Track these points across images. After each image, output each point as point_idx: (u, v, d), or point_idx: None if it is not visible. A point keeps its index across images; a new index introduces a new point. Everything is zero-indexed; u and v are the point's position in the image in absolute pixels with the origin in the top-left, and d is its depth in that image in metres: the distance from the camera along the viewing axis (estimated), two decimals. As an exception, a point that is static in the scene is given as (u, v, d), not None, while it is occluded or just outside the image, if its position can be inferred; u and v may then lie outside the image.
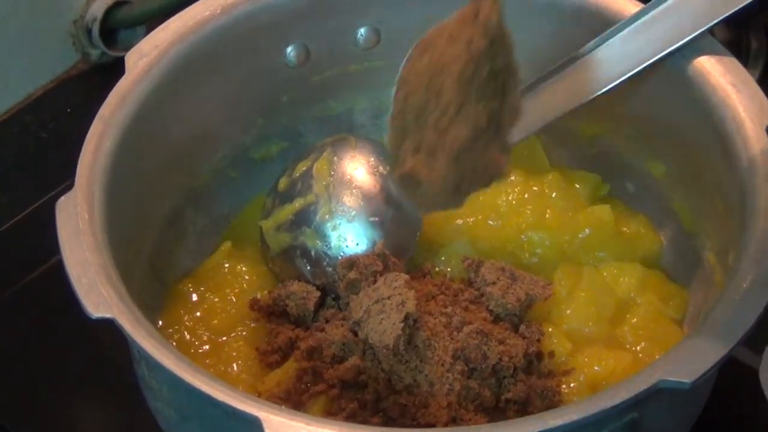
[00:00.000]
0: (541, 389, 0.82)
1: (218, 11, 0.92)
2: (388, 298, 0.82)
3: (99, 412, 0.97)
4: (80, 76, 1.23)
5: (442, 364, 0.80)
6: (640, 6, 0.89)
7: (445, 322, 0.83)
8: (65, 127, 1.18)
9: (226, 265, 0.92)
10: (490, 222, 0.94)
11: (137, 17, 1.21)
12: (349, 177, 0.92)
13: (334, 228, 0.91)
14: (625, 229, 0.95)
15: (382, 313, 0.81)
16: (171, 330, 0.88)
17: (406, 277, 0.83)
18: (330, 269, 0.90)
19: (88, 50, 1.22)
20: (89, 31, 1.21)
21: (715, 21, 0.86)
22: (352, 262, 0.87)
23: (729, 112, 0.83)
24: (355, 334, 0.83)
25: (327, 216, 0.91)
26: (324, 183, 0.92)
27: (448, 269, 0.92)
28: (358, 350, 0.83)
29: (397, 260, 0.89)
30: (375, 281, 0.85)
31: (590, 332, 0.88)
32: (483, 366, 0.81)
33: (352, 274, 0.86)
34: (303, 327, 0.89)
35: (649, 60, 0.87)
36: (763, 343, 0.91)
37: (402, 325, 0.80)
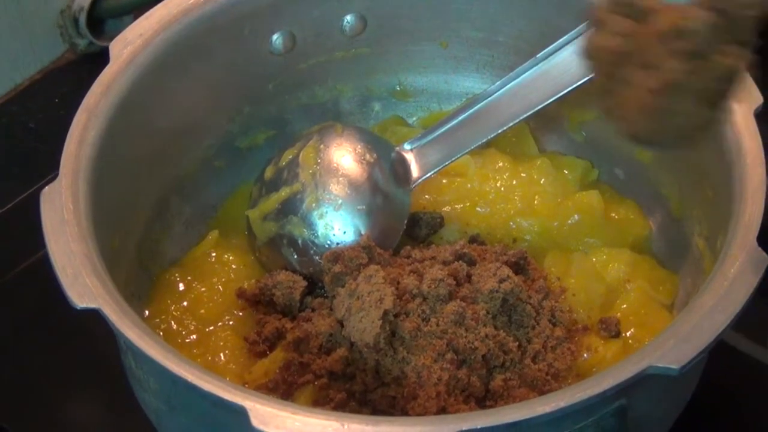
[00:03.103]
0: (530, 378, 0.81)
1: (203, -1, 0.91)
2: (368, 294, 0.81)
3: (86, 403, 0.96)
4: (68, 66, 1.23)
5: (431, 355, 0.80)
6: (627, -10, 0.89)
7: (431, 311, 0.82)
8: (53, 117, 1.18)
9: (213, 255, 0.92)
10: (479, 209, 0.94)
11: (124, 6, 1.21)
12: (335, 165, 0.92)
13: (321, 216, 0.91)
14: (614, 214, 0.95)
15: (362, 310, 0.81)
16: (158, 320, 0.87)
17: (383, 272, 0.83)
18: (317, 258, 0.90)
19: (76, 40, 1.22)
20: (76, 21, 1.21)
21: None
22: (336, 256, 0.87)
23: (717, 96, 0.83)
24: (342, 325, 0.83)
25: (314, 204, 0.91)
26: (310, 171, 0.92)
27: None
28: (346, 341, 0.82)
29: (383, 251, 0.88)
30: (360, 274, 0.84)
31: (580, 319, 0.87)
32: (472, 357, 0.81)
33: (337, 268, 0.86)
34: (290, 316, 0.88)
35: (637, 45, 0.87)
36: (753, 327, 0.92)
37: (380, 322, 0.80)
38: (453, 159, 0.92)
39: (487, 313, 0.82)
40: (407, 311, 0.82)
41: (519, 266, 0.88)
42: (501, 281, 0.83)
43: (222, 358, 0.86)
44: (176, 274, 0.91)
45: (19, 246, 1.04)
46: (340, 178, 0.91)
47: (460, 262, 0.86)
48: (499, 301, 0.82)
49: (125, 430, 0.92)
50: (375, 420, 0.67)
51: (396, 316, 0.81)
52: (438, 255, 0.87)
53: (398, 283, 0.84)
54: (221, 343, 0.86)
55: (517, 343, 0.82)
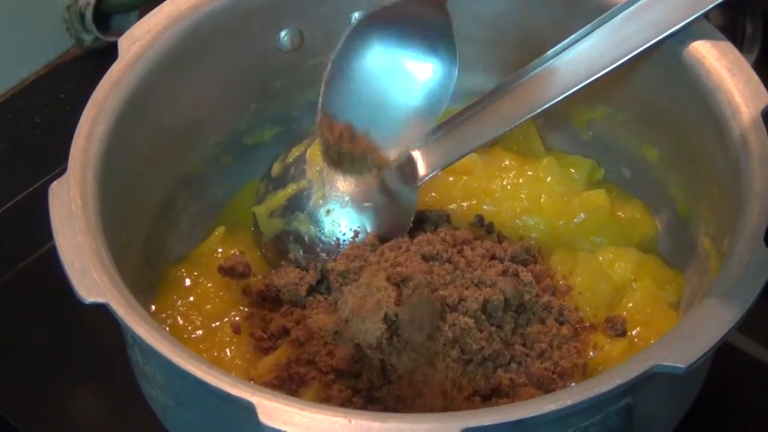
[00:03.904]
0: (536, 376, 0.81)
1: (211, -5, 0.91)
2: (371, 295, 0.81)
3: (93, 399, 0.96)
4: (74, 62, 1.23)
5: (436, 352, 0.80)
6: (635, -10, 0.89)
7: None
8: (59, 112, 1.18)
9: (220, 251, 0.92)
10: (485, 207, 0.94)
11: (130, 2, 1.21)
12: (342, 162, 0.92)
13: (328, 213, 0.91)
14: (620, 213, 0.95)
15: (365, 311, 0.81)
16: (164, 315, 0.87)
17: (385, 273, 0.83)
18: (323, 254, 0.90)
19: (82, 35, 1.22)
20: (83, 16, 1.21)
21: (711, 5, 0.86)
22: (341, 254, 0.87)
23: (724, 97, 0.83)
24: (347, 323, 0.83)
25: (320, 201, 0.91)
26: (317, 168, 0.92)
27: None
28: (351, 339, 0.82)
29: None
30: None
31: (586, 317, 0.87)
32: (478, 355, 0.81)
33: (342, 266, 0.86)
34: (296, 313, 0.88)
35: (644, 45, 0.87)
36: (758, 328, 0.92)
37: (383, 323, 0.80)
38: (460, 157, 0.92)
39: (492, 311, 0.83)
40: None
41: (525, 262, 0.88)
42: (509, 280, 0.83)
43: (228, 353, 0.86)
44: (183, 270, 0.91)
45: (24, 241, 1.04)
46: (347, 175, 0.91)
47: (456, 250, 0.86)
48: (514, 301, 0.83)
49: (131, 425, 0.92)
50: (382, 416, 0.67)
51: (396, 316, 0.81)
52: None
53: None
54: (227, 339, 0.86)
55: (523, 342, 0.82)
